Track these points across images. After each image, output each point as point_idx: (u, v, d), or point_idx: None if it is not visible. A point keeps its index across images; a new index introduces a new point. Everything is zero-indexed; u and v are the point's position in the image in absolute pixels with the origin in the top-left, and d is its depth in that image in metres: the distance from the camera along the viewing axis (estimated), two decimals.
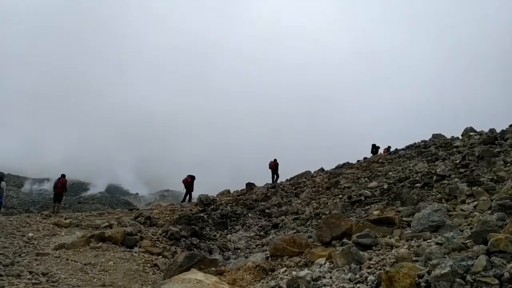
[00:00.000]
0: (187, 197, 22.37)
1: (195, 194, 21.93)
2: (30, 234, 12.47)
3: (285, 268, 7.62)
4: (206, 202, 18.49)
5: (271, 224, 15.76)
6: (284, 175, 26.12)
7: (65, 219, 15.27)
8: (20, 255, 10.34)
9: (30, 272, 8.87)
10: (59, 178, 19.09)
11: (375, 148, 28.90)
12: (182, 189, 23.23)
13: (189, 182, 22.21)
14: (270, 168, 25.58)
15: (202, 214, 16.79)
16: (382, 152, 27.29)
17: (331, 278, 6.09)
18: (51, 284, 8.47)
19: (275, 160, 25.67)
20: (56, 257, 10.44)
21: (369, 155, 27.50)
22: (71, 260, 10.26)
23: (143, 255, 11.44)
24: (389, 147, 27.46)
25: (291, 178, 24.96)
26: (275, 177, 25.43)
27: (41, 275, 8.84)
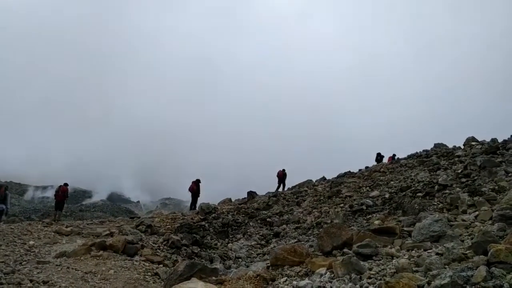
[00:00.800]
0: (195, 203, 22.23)
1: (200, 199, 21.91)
2: (31, 242, 12.47)
3: (285, 278, 7.60)
4: (207, 210, 18.47)
5: (272, 233, 15.72)
6: (287, 184, 26.31)
7: (66, 227, 15.29)
8: (21, 263, 10.33)
9: (31, 281, 8.85)
10: (60, 186, 19.22)
11: (379, 157, 28.85)
12: (188, 197, 23.13)
13: (194, 190, 22.17)
14: (278, 176, 25.90)
15: (203, 223, 16.77)
16: (387, 160, 27.24)
17: None
18: None
19: (283, 170, 25.97)
20: (57, 265, 10.42)
21: (370, 164, 27.46)
22: (72, 269, 10.24)
23: (144, 264, 11.40)
24: (394, 155, 27.34)
25: (293, 187, 25.02)
26: (282, 186, 25.63)
27: (41, 284, 8.82)
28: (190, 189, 22.20)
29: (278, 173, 26.17)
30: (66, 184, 19.40)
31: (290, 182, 26.53)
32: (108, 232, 14.27)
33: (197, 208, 20.48)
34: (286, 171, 26.19)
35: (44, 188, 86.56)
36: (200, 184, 22.37)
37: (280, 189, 25.33)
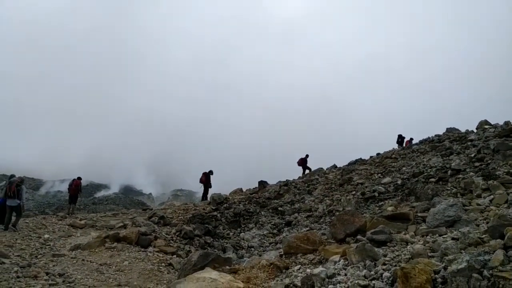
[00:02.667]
0: (206, 194, 22.32)
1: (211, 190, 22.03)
2: (46, 236, 12.64)
3: (299, 266, 7.59)
4: (219, 201, 18.53)
5: (284, 222, 15.72)
6: (298, 172, 26.52)
7: (80, 220, 15.47)
8: (36, 256, 10.48)
9: (47, 273, 8.97)
10: (73, 180, 19.42)
11: (400, 138, 28.70)
12: (199, 187, 23.26)
13: (204, 181, 22.27)
14: (299, 165, 26.49)
15: (215, 213, 16.83)
16: (405, 143, 27.29)
17: (346, 275, 6.05)
18: (68, 284, 8.57)
19: (306, 155, 26.89)
20: (72, 258, 10.56)
21: (384, 149, 27.21)
22: (87, 261, 10.37)
23: (157, 255, 11.51)
24: (412, 139, 27.27)
25: (304, 176, 24.97)
26: (306, 171, 26.20)
27: (57, 276, 8.94)
28: (201, 181, 22.32)
29: (298, 161, 26.93)
30: (79, 178, 19.60)
31: (300, 171, 26.80)
32: (121, 224, 14.40)
33: (208, 199, 20.56)
34: (307, 157, 26.98)
35: (60, 182, 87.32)
36: (211, 175, 22.43)
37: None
